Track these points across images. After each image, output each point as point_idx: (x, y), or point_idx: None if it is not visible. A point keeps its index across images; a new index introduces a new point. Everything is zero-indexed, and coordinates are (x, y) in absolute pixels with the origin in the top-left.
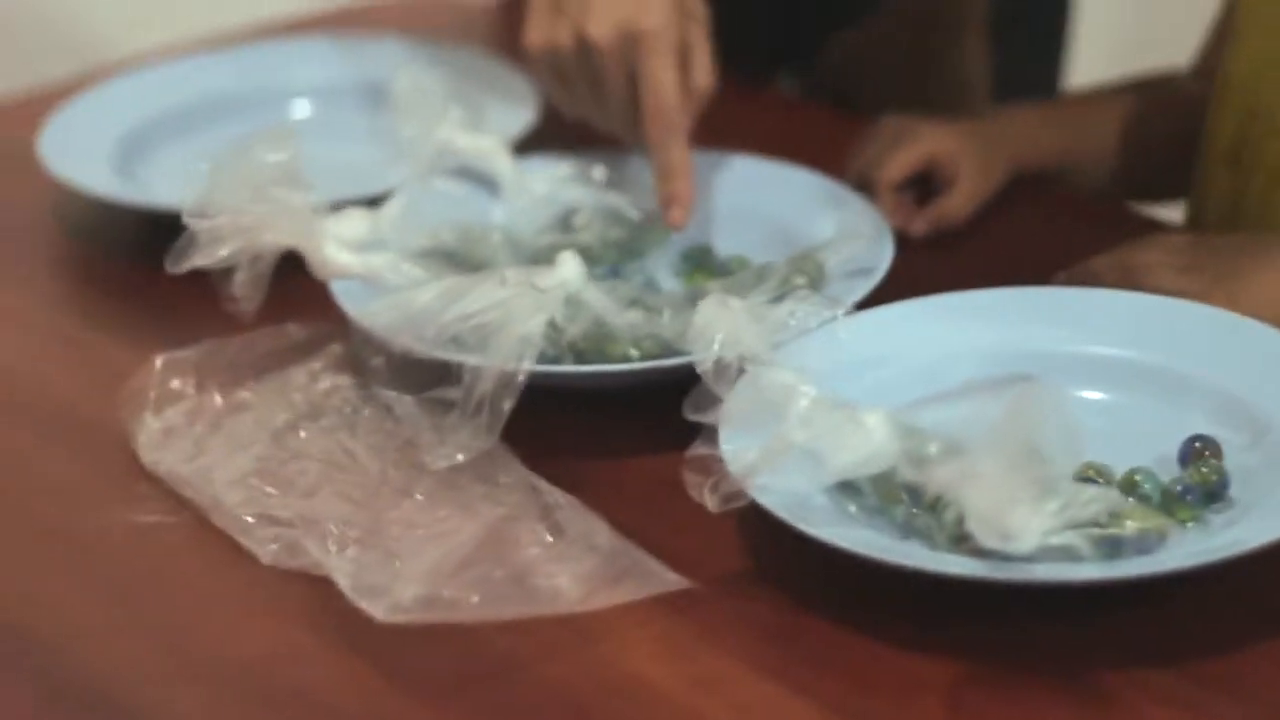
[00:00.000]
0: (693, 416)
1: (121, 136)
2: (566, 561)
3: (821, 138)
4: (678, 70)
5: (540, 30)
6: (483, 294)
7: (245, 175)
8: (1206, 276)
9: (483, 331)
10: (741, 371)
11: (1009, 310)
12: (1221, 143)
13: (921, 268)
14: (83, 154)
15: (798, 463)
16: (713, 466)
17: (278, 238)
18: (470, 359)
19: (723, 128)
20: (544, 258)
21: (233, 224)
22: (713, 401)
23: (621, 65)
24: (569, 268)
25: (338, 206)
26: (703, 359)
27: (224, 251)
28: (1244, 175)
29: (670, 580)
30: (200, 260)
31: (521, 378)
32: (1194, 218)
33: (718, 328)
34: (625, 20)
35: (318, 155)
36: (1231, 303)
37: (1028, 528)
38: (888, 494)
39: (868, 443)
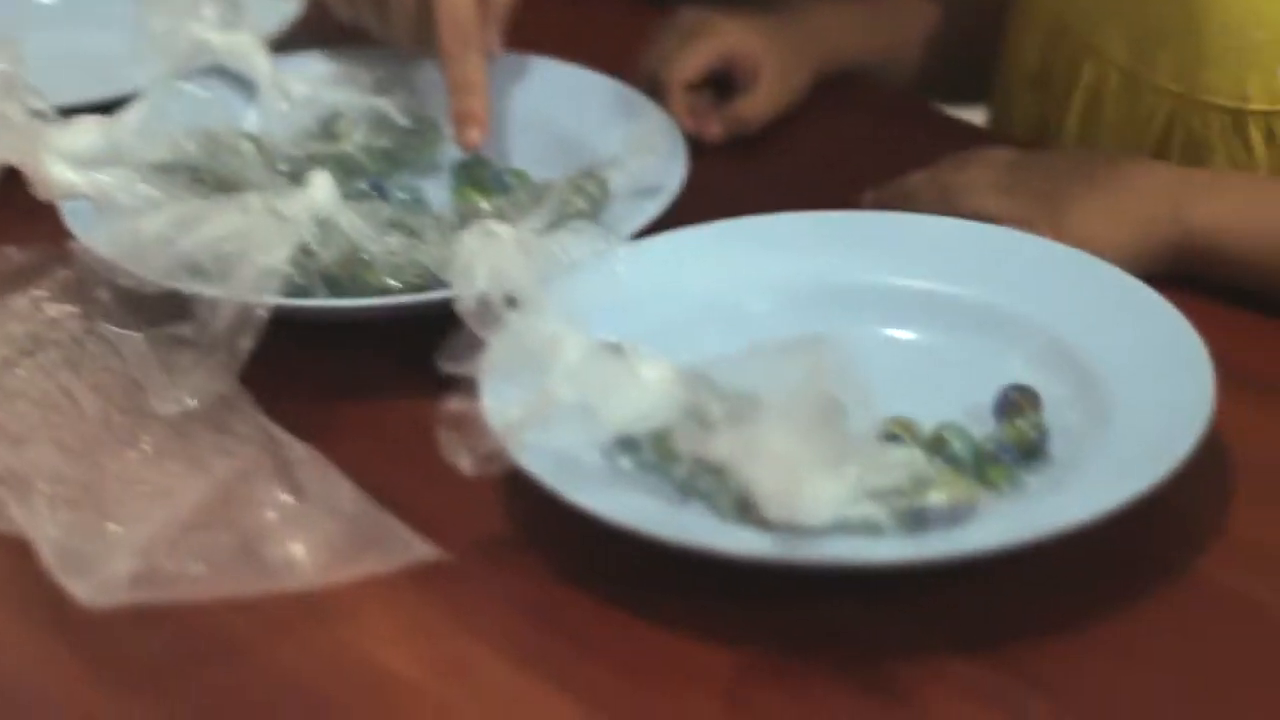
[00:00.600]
0: (449, 368)
1: None
2: (304, 527)
3: (624, 32)
4: None
5: None
6: (222, 221)
7: None
8: (1031, 199)
9: (222, 262)
10: (508, 310)
11: (809, 237)
12: (1026, 62)
13: (719, 181)
14: None
15: (568, 418)
16: (471, 423)
17: None
18: (206, 291)
19: (514, 20)
20: (300, 169)
21: None
22: (473, 349)
23: None
24: (320, 189)
25: (71, 111)
26: (464, 297)
27: None
28: (1055, 97)
29: (420, 551)
30: None
31: (263, 313)
32: (999, 135)
33: (481, 261)
34: None
35: (63, 45)
36: (1057, 230)
37: (820, 497)
38: (667, 451)
39: (645, 397)
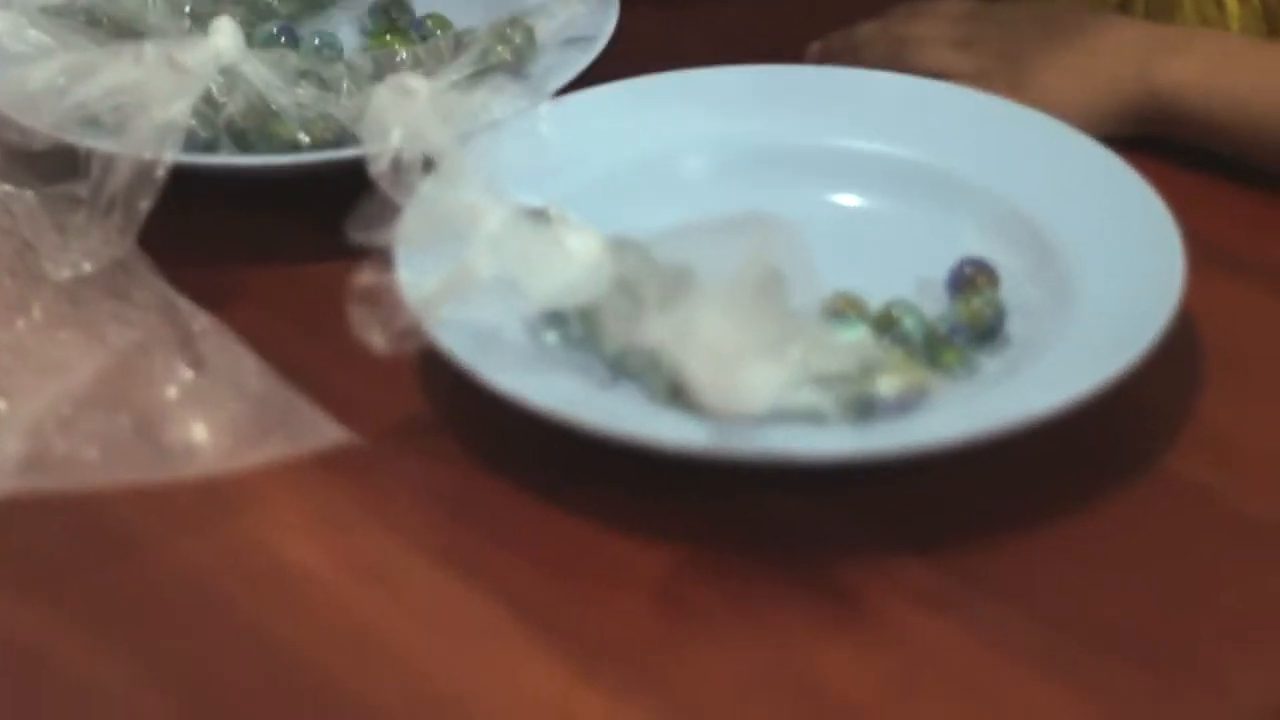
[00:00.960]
0: (360, 238)
1: None
2: (206, 406)
3: None
4: None
5: None
6: (119, 70)
7: None
8: (988, 55)
9: (119, 114)
10: (424, 174)
11: (749, 93)
12: None
13: (652, 31)
14: None
15: (489, 292)
16: (384, 296)
17: None
18: (102, 146)
19: None
20: (205, 12)
21: None
22: (387, 216)
23: None
24: (223, 35)
25: None
26: (377, 159)
27: None
28: None
29: (330, 434)
30: None
31: (163, 170)
32: None
33: (395, 119)
34: None
35: None
36: (1015, 89)
37: (759, 383)
38: (596, 327)
39: (572, 269)
